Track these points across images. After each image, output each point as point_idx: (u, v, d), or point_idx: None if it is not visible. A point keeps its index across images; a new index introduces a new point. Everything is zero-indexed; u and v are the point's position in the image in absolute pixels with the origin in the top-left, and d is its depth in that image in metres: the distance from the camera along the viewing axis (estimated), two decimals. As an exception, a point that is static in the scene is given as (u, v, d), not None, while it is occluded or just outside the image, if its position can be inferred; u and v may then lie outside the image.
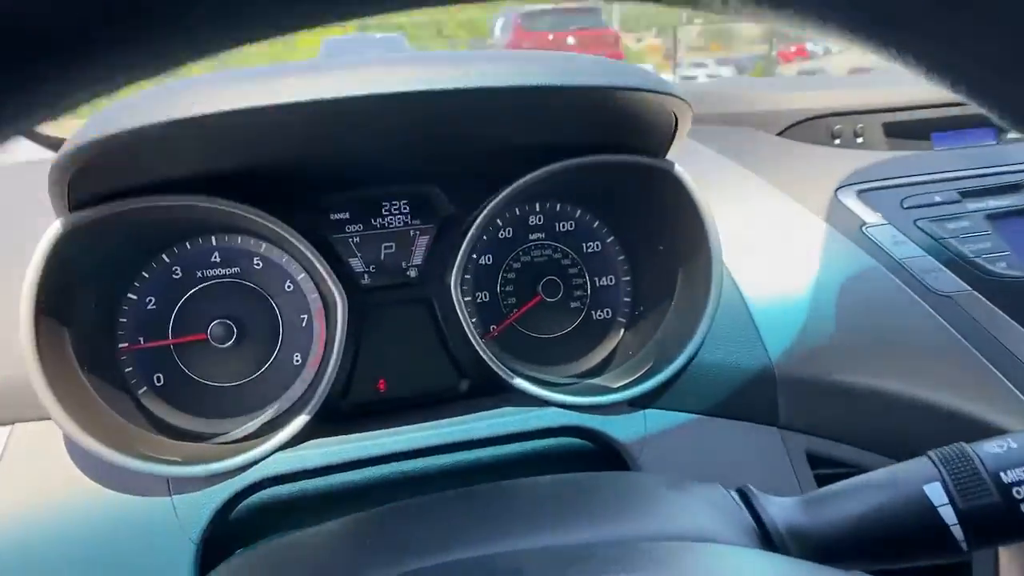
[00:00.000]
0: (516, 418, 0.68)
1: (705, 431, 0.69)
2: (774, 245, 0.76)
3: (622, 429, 0.68)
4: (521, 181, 0.68)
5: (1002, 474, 0.38)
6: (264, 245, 0.73)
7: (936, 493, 0.38)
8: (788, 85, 0.96)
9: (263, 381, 0.73)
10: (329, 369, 0.67)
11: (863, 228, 0.73)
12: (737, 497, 0.42)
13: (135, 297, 0.70)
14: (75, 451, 0.59)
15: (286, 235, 0.65)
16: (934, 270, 0.69)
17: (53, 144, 0.93)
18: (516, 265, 0.81)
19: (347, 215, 0.76)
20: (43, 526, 0.57)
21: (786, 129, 0.85)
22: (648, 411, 0.69)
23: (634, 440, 0.68)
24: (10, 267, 0.59)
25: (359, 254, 0.77)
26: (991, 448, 0.39)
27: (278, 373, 0.73)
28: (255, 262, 0.73)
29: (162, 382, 0.71)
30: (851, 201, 0.74)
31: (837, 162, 0.80)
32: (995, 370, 0.65)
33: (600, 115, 0.60)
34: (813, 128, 0.84)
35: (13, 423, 0.59)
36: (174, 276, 0.71)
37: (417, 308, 0.77)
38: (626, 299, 0.82)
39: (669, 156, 0.69)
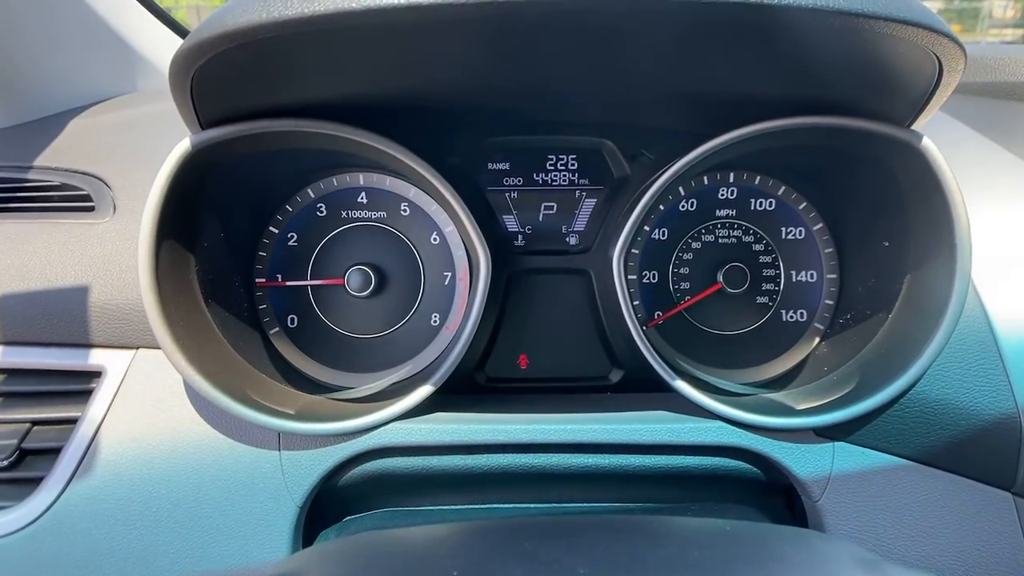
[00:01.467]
0: (673, 427, 0.56)
1: (911, 481, 0.54)
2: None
3: (803, 462, 0.55)
4: (718, 140, 0.55)
5: None
6: (413, 190, 0.66)
7: None
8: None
9: (397, 339, 0.67)
10: (465, 334, 0.59)
11: None
12: None
13: (276, 231, 0.66)
14: (190, 388, 0.56)
15: (435, 180, 0.58)
16: None
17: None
18: (696, 245, 0.69)
19: (507, 166, 0.68)
20: (152, 456, 0.55)
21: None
22: (839, 444, 0.55)
23: (816, 477, 0.54)
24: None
25: (515, 212, 0.68)
26: None
27: (413, 332, 0.67)
28: (402, 208, 0.67)
29: (295, 324, 0.66)
30: None
31: None
32: None
33: (838, 56, 0.45)
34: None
35: (137, 348, 0.57)
36: (318, 213, 0.66)
37: (573, 281, 0.68)
38: (828, 301, 0.67)
39: (917, 127, 0.53)
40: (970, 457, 0.54)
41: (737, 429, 0.56)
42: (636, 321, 0.61)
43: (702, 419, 0.57)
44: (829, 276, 0.67)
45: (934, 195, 0.52)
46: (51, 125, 0.74)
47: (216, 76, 0.46)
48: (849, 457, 0.55)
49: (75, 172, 0.66)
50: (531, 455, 0.57)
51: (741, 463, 0.57)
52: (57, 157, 0.68)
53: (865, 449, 0.55)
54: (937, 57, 0.44)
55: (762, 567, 0.33)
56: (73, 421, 0.56)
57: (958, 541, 0.53)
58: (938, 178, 0.52)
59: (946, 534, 0.54)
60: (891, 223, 0.58)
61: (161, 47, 0.94)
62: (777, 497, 0.61)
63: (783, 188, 0.68)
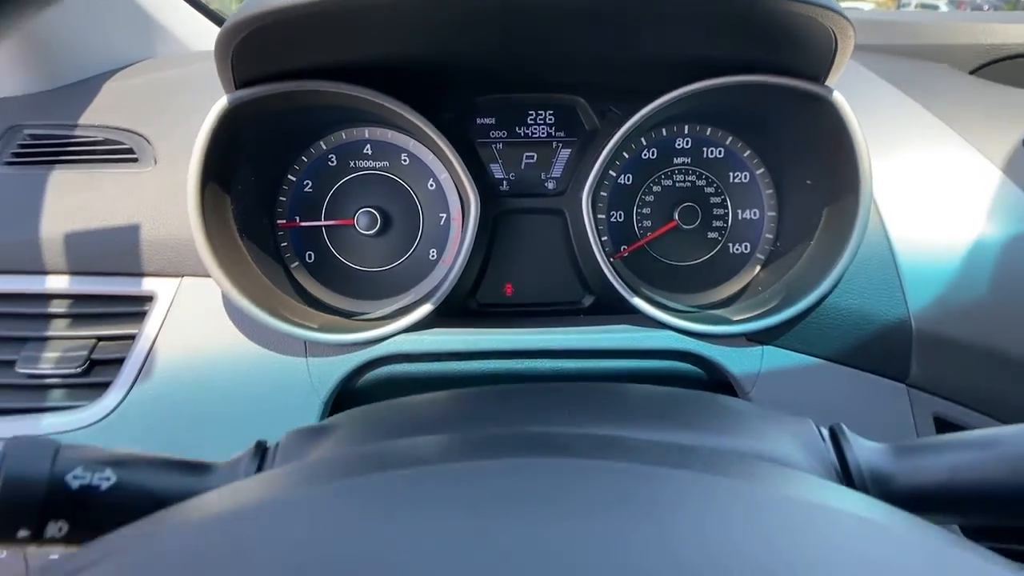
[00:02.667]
0: (632, 335, 0.68)
1: (824, 377, 0.66)
2: (937, 194, 0.69)
3: (736, 361, 0.67)
4: (667, 97, 0.66)
5: None
6: (412, 142, 0.77)
7: None
8: (999, 19, 0.84)
9: (400, 271, 0.78)
10: (458, 265, 0.71)
11: (1051, 183, 0.64)
12: (827, 434, 0.41)
13: (294, 179, 0.76)
14: (230, 307, 0.67)
15: (431, 133, 0.68)
16: None
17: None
18: (656, 188, 0.80)
19: (493, 120, 0.78)
20: (199, 364, 0.66)
21: (982, 67, 0.75)
22: (767, 348, 0.67)
23: (747, 374, 0.66)
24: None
25: (500, 161, 0.79)
26: None
27: (414, 265, 0.78)
28: (403, 157, 0.77)
29: (312, 259, 0.77)
30: (1045, 153, 0.66)
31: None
32: None
33: (754, 26, 0.56)
34: (1017, 67, 0.74)
35: (182, 276, 0.68)
36: (329, 164, 0.77)
37: (550, 220, 0.79)
38: (768, 235, 0.79)
39: (831, 83, 0.64)
40: (872, 355, 0.66)
41: (684, 336, 0.68)
42: (604, 254, 0.72)
43: (658, 330, 0.69)
44: (769, 214, 0.79)
45: (843, 139, 0.64)
46: (87, 88, 0.83)
47: (251, 45, 0.56)
48: (775, 358, 0.67)
49: (116, 129, 0.76)
50: (514, 360, 0.69)
51: (688, 365, 0.69)
52: (97, 117, 0.78)
53: (788, 351, 0.67)
54: (831, 28, 0.55)
55: (681, 406, 0.45)
56: (132, 337, 0.67)
57: (861, 423, 0.66)
58: (845, 123, 0.63)
59: (852, 418, 0.66)
60: (814, 166, 0.70)
61: (176, 15, 1.03)
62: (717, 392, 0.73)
63: (730, 138, 0.79)
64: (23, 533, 0.35)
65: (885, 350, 0.65)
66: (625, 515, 0.27)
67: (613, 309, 0.74)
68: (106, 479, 0.37)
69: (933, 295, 0.64)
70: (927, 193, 0.69)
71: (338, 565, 0.24)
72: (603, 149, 0.71)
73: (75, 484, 0.36)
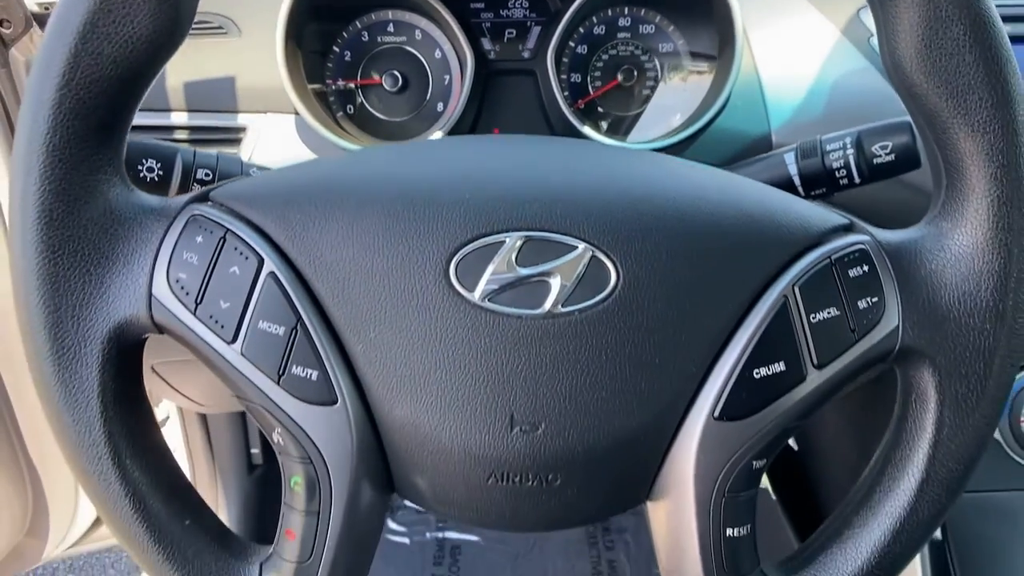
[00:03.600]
0: None
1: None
2: (794, 46, 0.97)
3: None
4: None
5: (831, 150, 0.64)
6: (424, 21, 1.04)
7: (790, 159, 0.65)
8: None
9: (417, 120, 1.06)
10: (458, 111, 0.99)
11: (868, 40, 0.93)
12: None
13: (337, 50, 1.04)
14: (302, 133, 0.96)
15: (444, 13, 0.96)
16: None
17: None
18: (604, 56, 1.08)
19: (483, 5, 1.06)
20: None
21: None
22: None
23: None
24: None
25: (488, 35, 1.06)
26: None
27: (427, 115, 1.06)
28: (417, 33, 1.05)
29: (352, 111, 1.06)
30: (868, 20, 0.94)
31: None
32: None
33: None
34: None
35: (267, 112, 0.97)
36: (362, 39, 1.04)
37: (526, 80, 1.07)
38: (685, 96, 1.07)
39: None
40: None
41: None
42: (564, 101, 1.01)
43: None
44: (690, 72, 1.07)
45: (724, 6, 0.92)
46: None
47: None
48: (681, 167, 0.97)
49: (208, 13, 1.03)
50: None
51: None
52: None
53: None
54: None
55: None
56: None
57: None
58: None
59: None
60: (713, 30, 0.98)
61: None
62: None
63: (659, 17, 1.06)
64: None
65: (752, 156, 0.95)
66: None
67: None
68: None
69: (786, 117, 0.93)
70: (787, 45, 0.97)
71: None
72: (558, 26, 0.99)
73: None
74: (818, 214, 0.48)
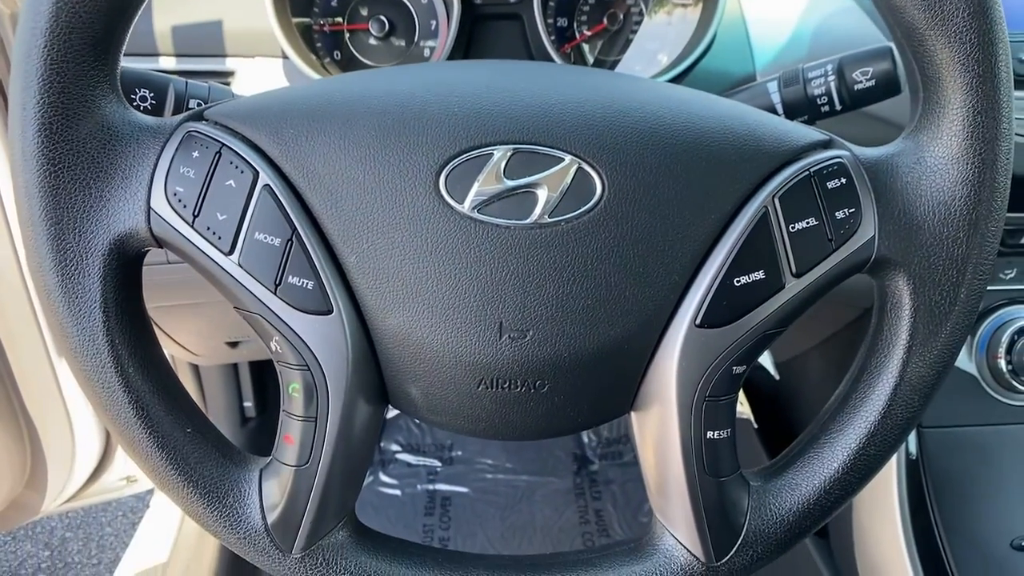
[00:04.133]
0: None
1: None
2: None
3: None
4: None
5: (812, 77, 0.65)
6: (412, -35, 1.04)
7: (773, 87, 0.66)
8: None
9: (404, 64, 1.07)
10: (446, 51, 0.99)
11: (854, -20, 0.93)
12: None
13: (324, -5, 1.04)
14: (290, 75, 0.96)
15: None
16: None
17: None
18: (591, 1, 1.08)
19: (469, -49, 1.05)
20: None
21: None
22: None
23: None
24: None
25: (475, -19, 1.06)
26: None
27: (414, 60, 1.06)
28: (404, -20, 1.05)
29: (339, 57, 1.06)
30: (855, -42, 0.95)
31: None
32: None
33: None
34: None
35: (255, 56, 0.96)
36: (349, -18, 1.04)
37: (514, 24, 1.07)
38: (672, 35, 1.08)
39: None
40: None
41: None
42: (552, 44, 1.01)
43: None
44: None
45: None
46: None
47: None
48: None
49: None
50: None
51: None
52: None
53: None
54: None
55: None
56: None
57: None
58: None
59: None
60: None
61: None
62: None
63: (646, -40, 1.06)
64: None
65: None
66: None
67: None
68: None
69: (770, 56, 0.94)
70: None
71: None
72: None
73: None
74: (799, 131, 0.49)
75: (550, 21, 1.07)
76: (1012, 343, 0.97)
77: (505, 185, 0.44)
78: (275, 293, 0.44)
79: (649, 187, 0.45)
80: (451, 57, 1.00)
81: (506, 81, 0.50)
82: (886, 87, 0.65)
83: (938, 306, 0.47)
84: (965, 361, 1.01)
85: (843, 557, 1.10)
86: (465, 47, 1.06)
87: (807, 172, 0.46)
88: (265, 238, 0.44)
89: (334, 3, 1.04)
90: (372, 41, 1.05)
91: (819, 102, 0.64)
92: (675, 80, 0.96)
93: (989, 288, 1.00)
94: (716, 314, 0.45)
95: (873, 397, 0.49)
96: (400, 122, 0.45)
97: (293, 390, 0.47)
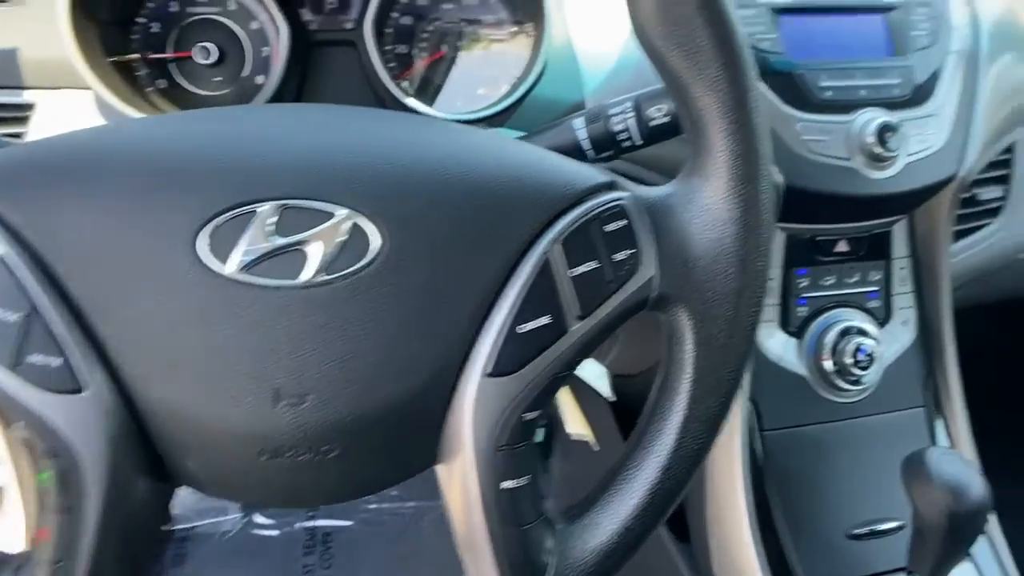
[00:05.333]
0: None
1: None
2: (602, 4, 1.02)
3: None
4: None
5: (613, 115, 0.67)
6: (237, -10, 1.00)
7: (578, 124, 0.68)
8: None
9: (235, 93, 1.02)
10: (274, 81, 0.96)
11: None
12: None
13: (143, 20, 0.98)
14: (102, 109, 0.90)
15: None
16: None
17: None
18: (430, 28, 1.07)
19: (301, -27, 1.03)
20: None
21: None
22: (501, 129, 0.98)
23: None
24: None
25: (308, 5, 1.03)
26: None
27: (245, 88, 1.02)
28: (230, 4, 1.00)
29: (164, 86, 1.00)
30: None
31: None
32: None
33: None
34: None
35: (58, 88, 0.90)
36: (170, 8, 0.99)
37: (351, 51, 1.05)
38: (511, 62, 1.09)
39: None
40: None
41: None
42: (387, 73, 1.00)
43: None
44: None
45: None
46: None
47: None
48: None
49: None
50: None
51: None
52: None
53: (510, 129, 0.98)
54: None
55: None
56: (20, 135, 0.88)
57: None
58: None
59: None
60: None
61: None
62: None
63: (481, -12, 1.07)
64: None
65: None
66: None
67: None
68: None
69: (599, 84, 0.97)
70: (600, 13, 1.01)
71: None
72: None
73: None
74: (583, 174, 0.50)
75: (388, 48, 1.06)
76: (836, 345, 1.04)
77: (273, 243, 0.42)
78: (14, 373, 0.40)
79: (430, 238, 0.44)
80: (284, 86, 0.97)
81: (278, 130, 0.47)
82: (680, 123, 0.68)
83: (716, 339, 0.49)
84: (796, 363, 1.07)
85: (704, 560, 1.13)
86: (300, 75, 1.03)
87: (587, 216, 0.47)
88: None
89: (154, 33, 0.99)
90: (201, 70, 1.00)
91: (619, 138, 0.66)
92: (511, 109, 0.97)
93: (814, 294, 1.07)
94: (505, 362, 0.45)
95: (665, 432, 0.50)
96: (155, 179, 0.43)
97: (45, 480, 0.42)
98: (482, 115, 0.96)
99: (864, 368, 1.02)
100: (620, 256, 0.47)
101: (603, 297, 0.47)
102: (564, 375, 0.48)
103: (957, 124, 1.03)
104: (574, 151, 0.68)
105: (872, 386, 1.07)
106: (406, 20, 1.06)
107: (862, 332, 1.04)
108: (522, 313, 0.45)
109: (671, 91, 0.50)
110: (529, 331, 0.45)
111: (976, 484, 0.79)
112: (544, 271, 0.45)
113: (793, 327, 1.06)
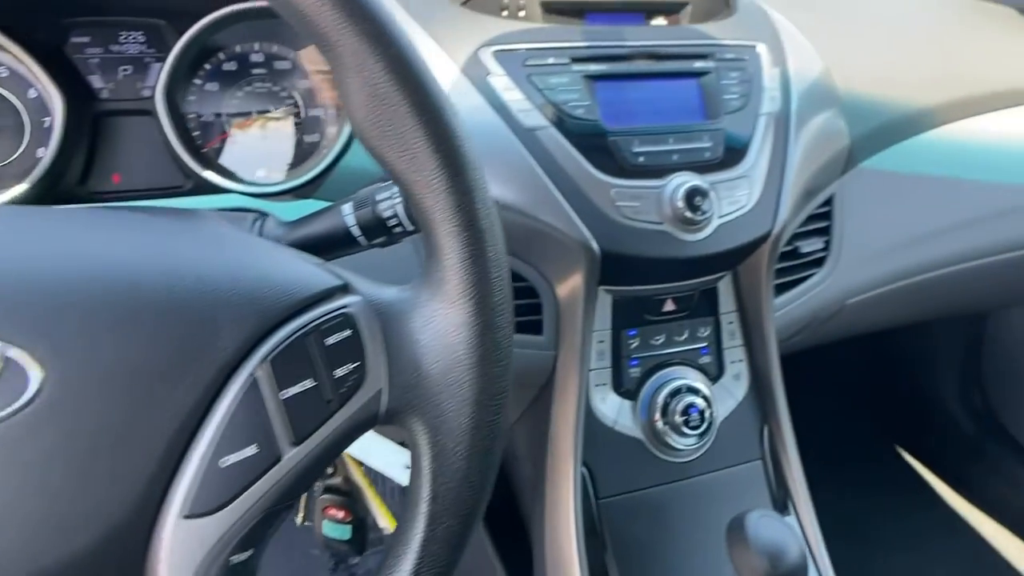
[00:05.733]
0: (208, 199, 0.91)
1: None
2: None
3: (285, 211, 0.92)
4: (195, 28, 0.89)
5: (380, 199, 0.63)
6: (9, 57, 0.91)
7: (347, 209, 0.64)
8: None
9: (11, 168, 0.93)
10: (49, 155, 0.88)
11: (486, 78, 0.97)
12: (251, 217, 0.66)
13: (-102, 89, 0.88)
14: None
15: (13, 50, 0.84)
16: (527, 110, 0.94)
17: None
18: (239, 93, 1.02)
19: (88, 39, 0.95)
20: None
21: (467, 1, 1.07)
22: (310, 200, 0.93)
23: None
24: None
25: (99, 72, 0.96)
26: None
27: (25, 162, 0.93)
28: (1, 71, 0.92)
29: (-75, 161, 0.90)
30: (486, 58, 0.98)
31: (493, 28, 1.03)
32: (549, 182, 0.92)
33: None
34: (490, 2, 1.07)
35: None
36: (-68, 76, 0.89)
37: (149, 120, 0.98)
38: (331, 128, 1.05)
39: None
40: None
41: (247, 197, 0.92)
42: (183, 144, 0.93)
43: (228, 195, 0.92)
44: (331, 112, 1.05)
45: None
46: None
47: None
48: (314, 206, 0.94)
49: None
50: None
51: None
52: None
53: (320, 200, 0.94)
54: None
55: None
56: None
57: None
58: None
59: None
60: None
61: None
62: None
63: (294, 53, 1.03)
64: None
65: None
66: None
67: (210, 190, 0.96)
68: None
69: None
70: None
71: None
72: (166, 62, 0.92)
73: None
74: (307, 280, 0.45)
75: (192, 115, 1.00)
76: (666, 404, 1.03)
77: None
78: None
79: (107, 367, 0.39)
80: (63, 159, 0.89)
81: None
82: None
83: (454, 453, 0.46)
84: (631, 426, 1.06)
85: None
86: (89, 147, 0.95)
87: (304, 330, 0.43)
88: None
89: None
90: (-31, 143, 0.91)
91: (389, 223, 0.62)
92: (310, 184, 0.93)
93: (645, 354, 1.06)
94: (205, 501, 0.40)
95: (403, 557, 0.46)
96: None
97: None
98: (287, 186, 0.91)
99: (695, 427, 1.02)
100: (342, 371, 0.44)
101: (321, 419, 0.43)
102: (283, 507, 0.43)
103: (769, 183, 1.07)
104: (344, 238, 0.64)
105: (708, 443, 1.07)
106: (212, 87, 1.01)
107: (692, 390, 1.04)
108: (224, 444, 0.40)
109: (400, 191, 0.47)
110: (233, 464, 0.40)
111: (793, 549, 0.79)
112: (250, 395, 0.41)
113: (627, 388, 1.05)
